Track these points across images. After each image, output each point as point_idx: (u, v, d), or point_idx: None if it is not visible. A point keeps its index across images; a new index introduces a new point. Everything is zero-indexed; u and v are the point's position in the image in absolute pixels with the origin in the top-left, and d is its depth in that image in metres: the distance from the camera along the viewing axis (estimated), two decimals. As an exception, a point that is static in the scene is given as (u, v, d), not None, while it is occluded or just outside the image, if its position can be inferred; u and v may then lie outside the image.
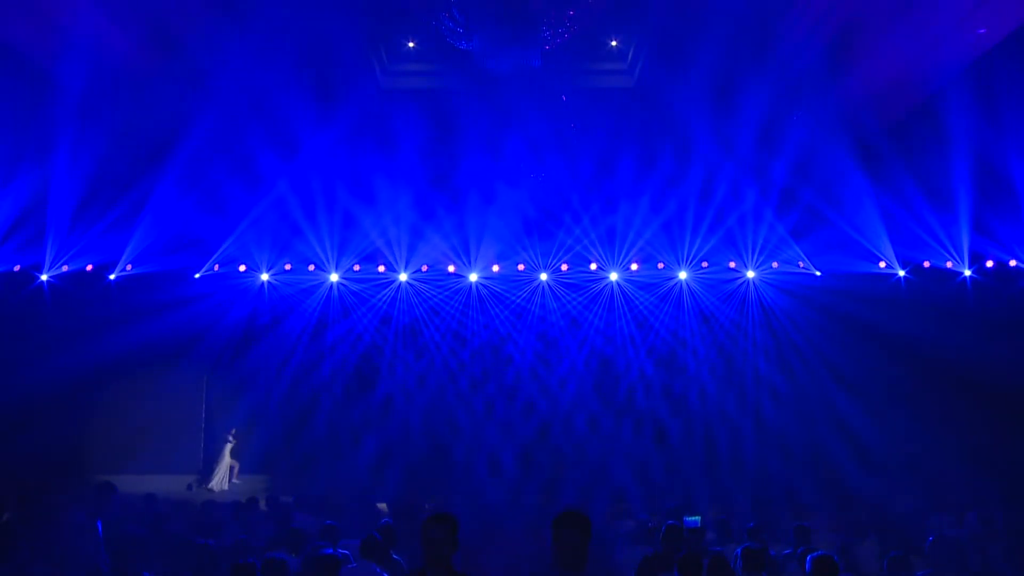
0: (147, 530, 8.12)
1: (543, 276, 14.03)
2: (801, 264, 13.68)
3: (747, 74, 11.45)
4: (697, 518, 7.41)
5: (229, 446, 14.33)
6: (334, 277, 14.05)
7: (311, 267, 14.08)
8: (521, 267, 14.01)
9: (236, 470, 14.41)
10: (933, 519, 9.04)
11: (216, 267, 13.97)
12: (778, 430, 13.58)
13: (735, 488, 11.99)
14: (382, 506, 10.41)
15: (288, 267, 14.07)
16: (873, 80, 11.97)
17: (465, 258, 13.96)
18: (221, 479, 14.09)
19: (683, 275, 13.94)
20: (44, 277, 13.51)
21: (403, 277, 14.06)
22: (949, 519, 9.06)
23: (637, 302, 14.17)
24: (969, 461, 11.78)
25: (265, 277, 14.02)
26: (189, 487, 13.92)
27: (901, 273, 13.50)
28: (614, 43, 11.46)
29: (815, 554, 5.48)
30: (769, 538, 7.58)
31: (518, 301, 14.18)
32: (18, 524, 6.80)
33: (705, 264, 13.84)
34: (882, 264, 13.53)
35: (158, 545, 7.55)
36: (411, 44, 11.54)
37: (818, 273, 13.62)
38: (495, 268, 14.03)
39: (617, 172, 13.31)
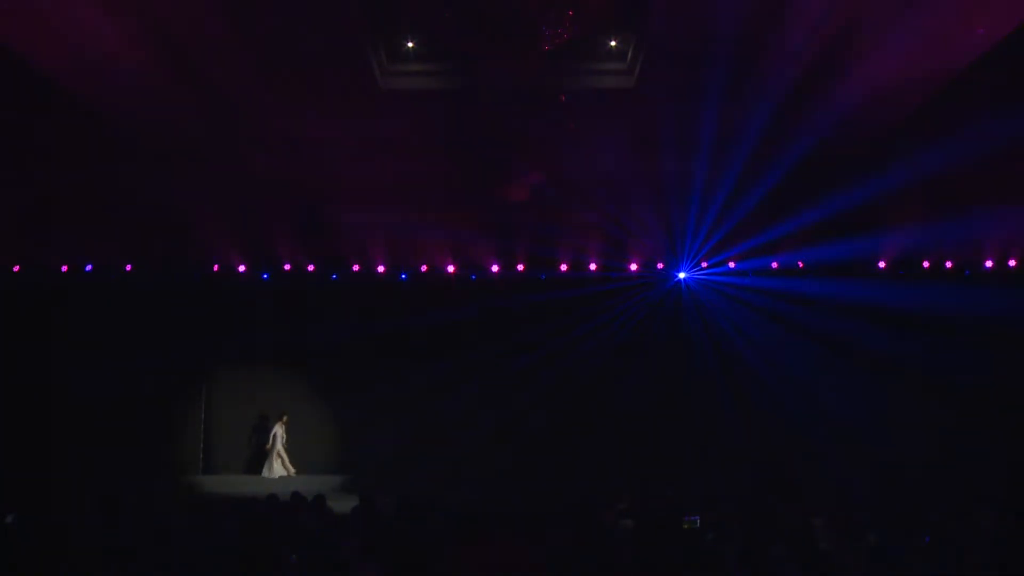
0: (149, 530, 8.12)
1: (542, 276, 14.07)
2: (800, 264, 13.70)
3: (746, 74, 11.44)
4: (697, 518, 7.43)
5: (280, 436, 14.33)
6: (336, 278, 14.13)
7: (310, 267, 14.12)
8: (521, 267, 14.04)
9: (285, 460, 14.39)
10: (933, 519, 9.04)
11: (216, 267, 14.00)
12: (779, 429, 13.60)
13: (736, 486, 12.02)
14: None
15: (288, 267, 14.09)
16: (872, 79, 11.97)
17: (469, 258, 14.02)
18: (271, 468, 14.20)
19: (682, 275, 13.97)
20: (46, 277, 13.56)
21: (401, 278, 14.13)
22: (950, 519, 9.06)
23: (636, 302, 14.19)
24: (970, 462, 11.81)
25: (267, 277, 14.09)
26: (189, 487, 13.93)
27: (901, 273, 13.53)
28: (613, 43, 11.45)
29: (814, 552, 5.51)
30: (769, 537, 7.58)
31: (517, 301, 14.20)
32: (20, 527, 6.82)
33: (705, 264, 13.86)
34: (882, 264, 13.55)
35: (159, 545, 7.55)
36: (410, 44, 11.56)
37: (817, 273, 13.63)
38: (495, 268, 14.05)
39: (617, 172, 13.31)
